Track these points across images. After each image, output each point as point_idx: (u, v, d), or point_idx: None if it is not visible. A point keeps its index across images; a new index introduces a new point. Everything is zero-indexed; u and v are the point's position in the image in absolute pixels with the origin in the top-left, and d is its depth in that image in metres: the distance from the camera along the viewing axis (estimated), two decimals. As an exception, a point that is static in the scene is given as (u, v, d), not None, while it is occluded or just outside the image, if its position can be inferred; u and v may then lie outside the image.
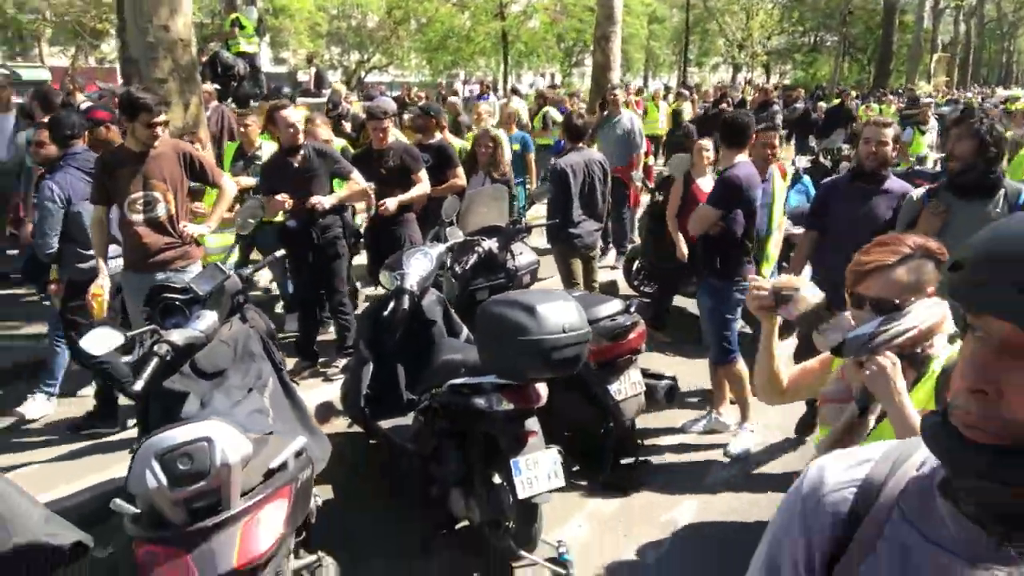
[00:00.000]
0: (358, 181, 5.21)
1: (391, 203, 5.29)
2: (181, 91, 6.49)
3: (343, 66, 34.53)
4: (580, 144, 5.72)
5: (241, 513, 2.07)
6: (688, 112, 13.48)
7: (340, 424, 4.40)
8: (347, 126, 8.81)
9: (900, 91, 25.09)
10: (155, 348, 2.80)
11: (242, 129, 6.37)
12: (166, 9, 6.44)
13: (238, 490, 2.10)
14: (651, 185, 8.32)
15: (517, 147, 7.61)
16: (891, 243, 1.71)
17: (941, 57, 30.82)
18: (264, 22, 13.85)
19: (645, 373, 4.24)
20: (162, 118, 4.22)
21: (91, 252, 4.34)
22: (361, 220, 6.01)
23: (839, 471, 0.97)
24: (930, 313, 1.66)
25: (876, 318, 1.67)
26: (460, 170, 6.01)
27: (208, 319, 3.07)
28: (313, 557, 2.57)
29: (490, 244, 4.62)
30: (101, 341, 2.74)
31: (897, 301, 1.67)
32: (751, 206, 4.33)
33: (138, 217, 4.17)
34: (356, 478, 4.05)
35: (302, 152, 5.11)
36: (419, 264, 3.98)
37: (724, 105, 12.23)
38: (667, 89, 22.41)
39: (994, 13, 54.14)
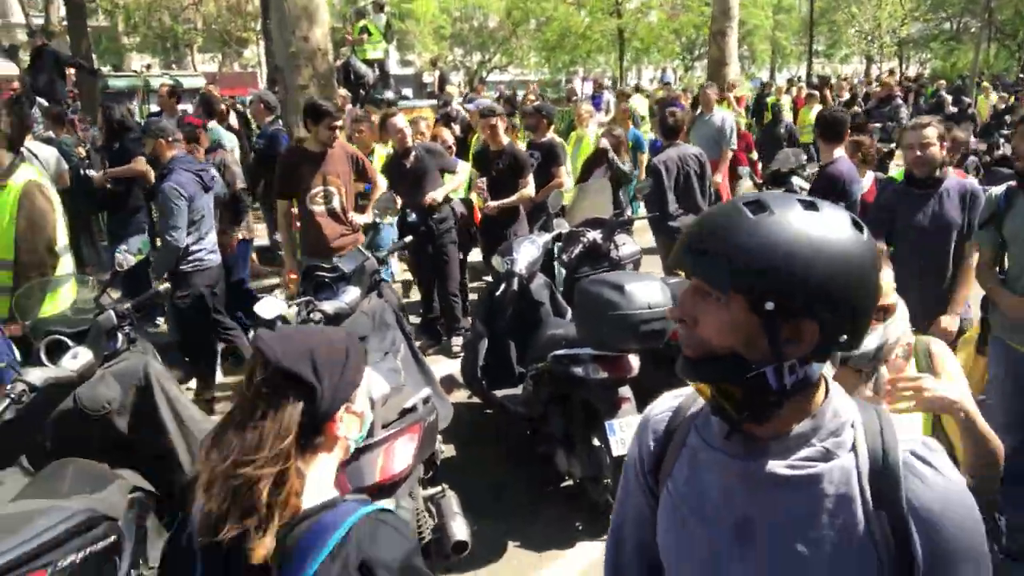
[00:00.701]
0: (462, 172, 5.80)
1: (493, 204, 5.80)
2: (321, 97, 7.29)
3: (465, 67, 35.68)
4: (677, 140, 6.03)
5: (381, 441, 2.62)
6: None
7: (461, 395, 4.96)
8: (456, 128, 9.25)
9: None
10: (311, 315, 3.42)
11: (356, 135, 6.62)
12: (306, 21, 7.25)
13: (380, 422, 2.65)
14: (759, 180, 8.47)
15: (631, 144, 7.89)
16: None
17: None
18: (392, 27, 14.71)
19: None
20: (339, 123, 4.91)
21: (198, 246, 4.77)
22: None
23: (662, 403, 1.32)
24: (903, 321, 1.94)
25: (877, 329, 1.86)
26: (564, 168, 6.45)
27: (352, 293, 3.70)
28: (438, 488, 3.09)
29: (594, 235, 5.03)
30: (271, 308, 3.39)
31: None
32: (852, 200, 4.53)
33: (319, 208, 4.88)
34: (475, 442, 4.59)
35: (413, 153, 5.72)
36: (527, 250, 4.47)
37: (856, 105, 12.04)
38: (790, 83, 21.87)
39: None
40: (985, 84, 18.93)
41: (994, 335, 3.49)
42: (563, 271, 5.05)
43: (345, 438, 1.27)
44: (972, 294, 3.80)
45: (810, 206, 1.05)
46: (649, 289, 3.32)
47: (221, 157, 6.14)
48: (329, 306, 3.52)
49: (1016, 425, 3.20)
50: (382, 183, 5.41)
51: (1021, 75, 26.88)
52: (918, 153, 3.78)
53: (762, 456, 1.10)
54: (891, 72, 26.94)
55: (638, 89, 16.61)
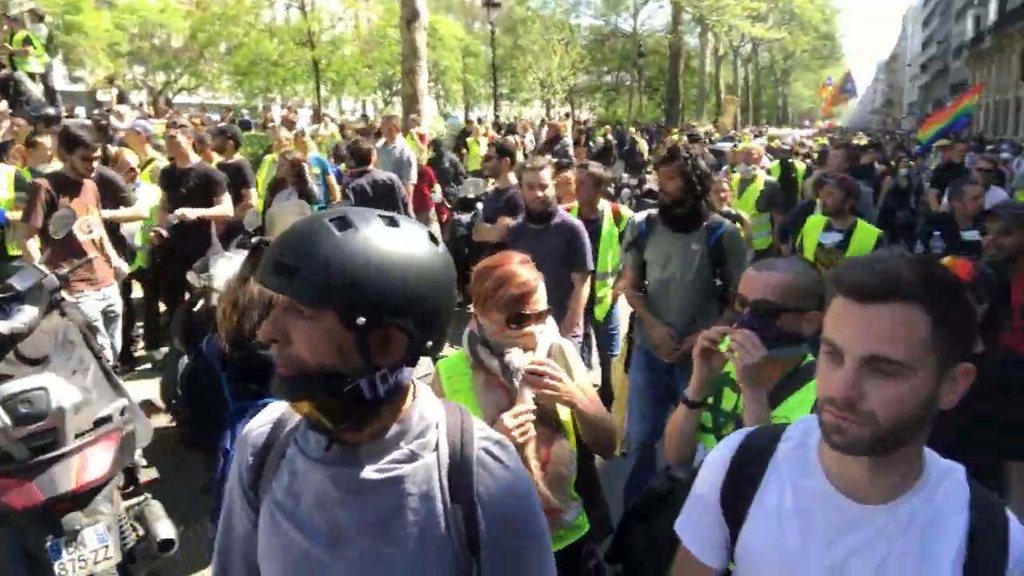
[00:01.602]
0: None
1: (191, 213, 5.54)
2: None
3: (148, 87, 33.08)
4: (367, 167, 6.49)
5: (75, 449, 2.57)
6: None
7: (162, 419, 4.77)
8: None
9: (683, 128, 28.14)
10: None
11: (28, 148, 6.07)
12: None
13: (72, 430, 2.59)
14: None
15: (317, 170, 7.94)
16: None
17: (730, 98, 34.84)
18: (55, 40, 13.41)
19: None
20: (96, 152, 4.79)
21: None
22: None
23: (261, 417, 1.29)
24: (553, 325, 2.23)
25: None
26: (253, 191, 6.57)
27: (28, 312, 3.46)
28: (141, 497, 3.05)
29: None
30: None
31: None
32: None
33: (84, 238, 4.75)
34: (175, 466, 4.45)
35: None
36: (225, 266, 4.49)
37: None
38: (480, 121, 23.67)
39: (768, 60, 61.49)
40: (632, 129, 22.23)
41: (639, 346, 3.80)
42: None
43: None
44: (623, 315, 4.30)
45: (391, 222, 1.10)
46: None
47: None
48: (2, 326, 3.28)
49: (648, 417, 3.58)
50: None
51: (661, 123, 31.98)
52: (538, 193, 4.15)
53: (355, 462, 1.14)
54: (567, 116, 30.31)
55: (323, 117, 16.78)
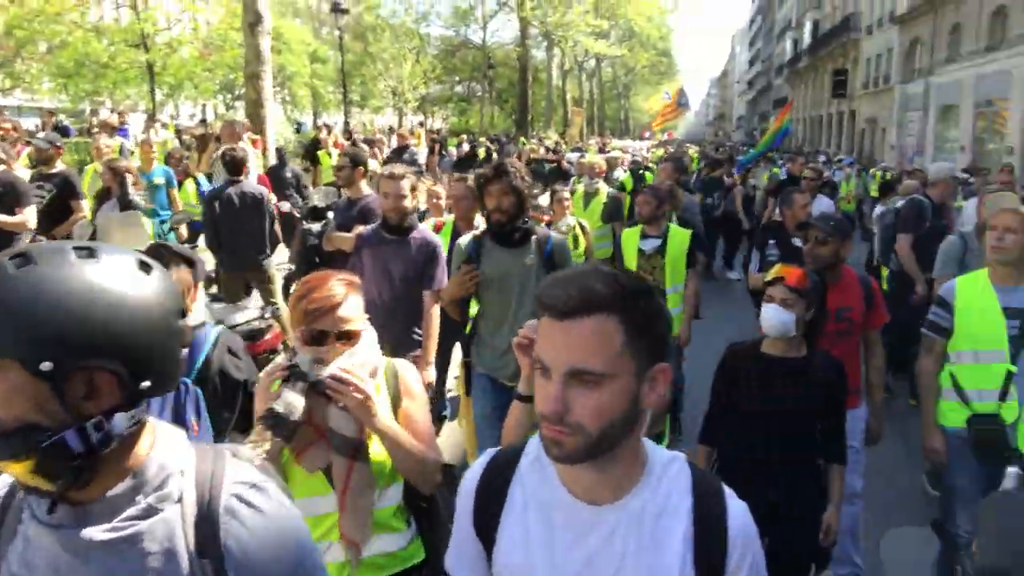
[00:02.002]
0: None
1: None
2: None
3: (-48, 87, 29.82)
4: (239, 177, 6.29)
5: None
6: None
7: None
8: None
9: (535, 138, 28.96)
10: None
11: None
12: None
13: None
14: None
15: (162, 180, 7.60)
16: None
17: (576, 111, 36.19)
18: None
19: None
20: None
21: None
22: None
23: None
24: (370, 346, 2.05)
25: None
26: (84, 202, 6.21)
27: None
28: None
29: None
30: None
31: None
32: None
33: None
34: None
35: None
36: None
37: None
38: (329, 130, 23.19)
39: (611, 75, 64.39)
40: (482, 139, 22.62)
41: (478, 372, 3.70)
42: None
43: None
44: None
45: (88, 254, 1.00)
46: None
47: None
48: None
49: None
50: None
51: (510, 133, 32.74)
52: (396, 203, 3.92)
53: (85, 522, 1.04)
54: (421, 124, 30.32)
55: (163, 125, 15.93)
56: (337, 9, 19.92)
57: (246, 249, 6.21)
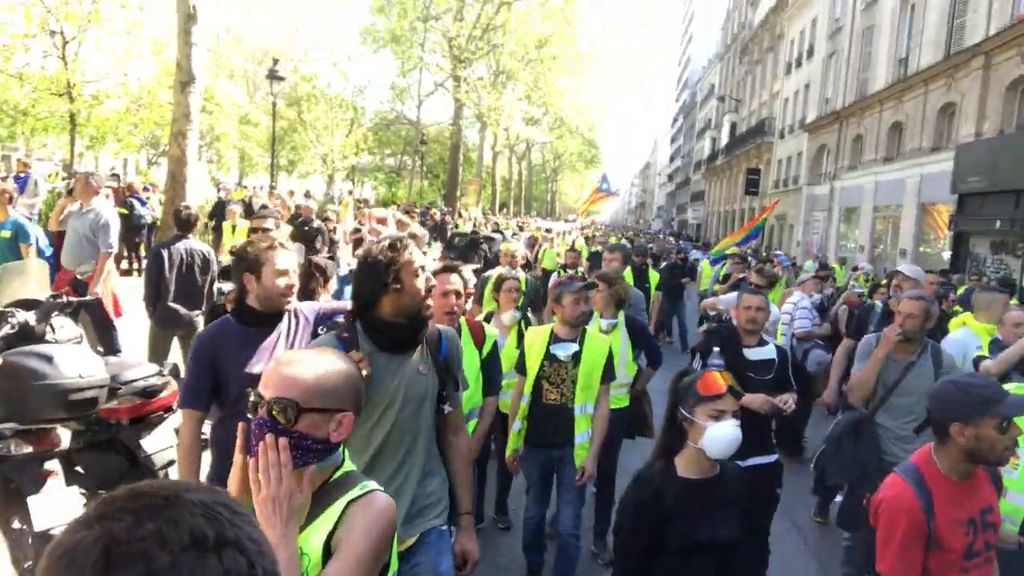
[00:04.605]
0: None
1: None
2: None
3: None
4: (188, 234, 6.32)
5: None
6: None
7: None
8: None
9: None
10: None
11: None
12: None
13: None
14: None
15: (7, 234, 6.67)
16: None
17: (472, 180, 38.04)
18: None
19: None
20: None
21: None
22: None
23: None
24: None
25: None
26: None
27: None
28: None
29: (26, 316, 4.79)
30: None
31: None
32: None
33: None
34: None
35: None
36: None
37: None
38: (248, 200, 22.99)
39: (540, 159, 66.61)
40: (407, 210, 22.82)
41: None
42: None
43: None
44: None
45: None
46: (81, 359, 3.44)
47: None
48: None
49: None
50: None
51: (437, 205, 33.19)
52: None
53: None
54: (350, 192, 30.47)
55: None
56: (273, 76, 20.08)
57: (186, 307, 6.26)
